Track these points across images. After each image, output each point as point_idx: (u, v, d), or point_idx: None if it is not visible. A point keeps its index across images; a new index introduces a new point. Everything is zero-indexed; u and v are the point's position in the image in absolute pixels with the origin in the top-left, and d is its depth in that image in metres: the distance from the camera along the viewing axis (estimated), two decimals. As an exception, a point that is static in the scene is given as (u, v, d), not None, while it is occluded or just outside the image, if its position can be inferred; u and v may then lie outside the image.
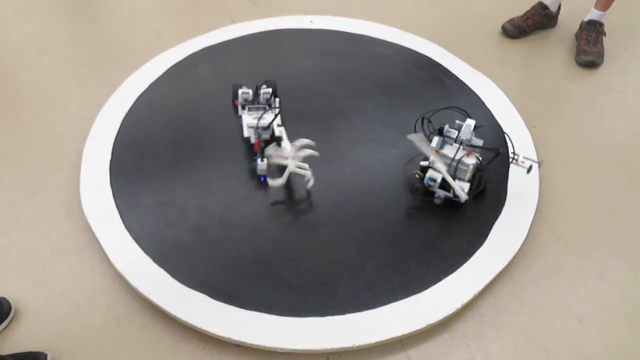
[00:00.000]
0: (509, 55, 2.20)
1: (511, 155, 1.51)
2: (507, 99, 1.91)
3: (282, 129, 1.63)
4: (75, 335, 1.29)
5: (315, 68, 2.02)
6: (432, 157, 1.46)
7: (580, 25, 2.24)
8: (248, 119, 1.66)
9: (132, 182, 1.58)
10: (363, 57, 2.07)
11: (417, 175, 1.52)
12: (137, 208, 1.51)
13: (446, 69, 2.03)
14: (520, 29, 2.27)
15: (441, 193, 1.50)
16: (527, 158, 1.50)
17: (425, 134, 1.54)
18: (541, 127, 1.86)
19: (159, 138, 1.72)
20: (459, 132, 1.47)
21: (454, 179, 1.45)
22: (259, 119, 1.63)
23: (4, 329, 1.29)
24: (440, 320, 1.29)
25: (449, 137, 1.48)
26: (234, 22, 2.33)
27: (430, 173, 1.47)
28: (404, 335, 1.27)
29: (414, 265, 1.40)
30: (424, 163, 1.52)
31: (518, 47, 2.25)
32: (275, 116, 1.64)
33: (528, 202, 1.56)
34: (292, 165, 1.52)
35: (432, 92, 1.92)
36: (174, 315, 1.28)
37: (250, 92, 1.72)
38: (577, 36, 2.25)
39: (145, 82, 1.93)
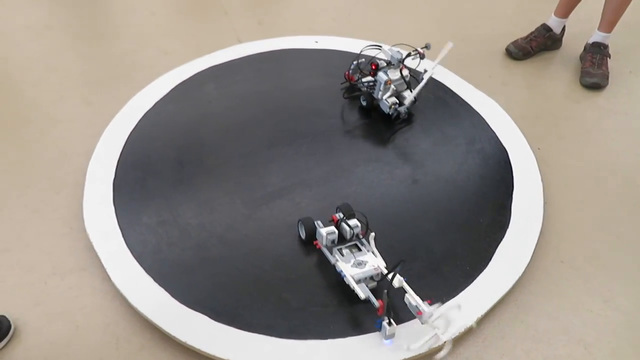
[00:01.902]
0: (513, 77, 2.21)
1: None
2: (511, 120, 1.91)
3: (400, 278, 1.24)
4: (74, 355, 1.28)
5: (320, 88, 2.03)
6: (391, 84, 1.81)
7: (585, 47, 2.25)
8: (350, 269, 1.32)
9: (135, 201, 1.58)
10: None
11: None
12: (139, 227, 1.51)
13: (450, 90, 2.04)
14: (524, 51, 2.28)
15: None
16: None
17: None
18: (545, 148, 1.85)
19: (163, 157, 1.73)
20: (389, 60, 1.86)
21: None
22: (359, 264, 1.33)
23: (3, 347, 1.29)
24: (443, 345, 1.27)
25: (385, 67, 1.84)
26: (239, 41, 2.35)
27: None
28: (405, 359, 1.24)
29: (416, 287, 1.37)
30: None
31: (522, 69, 2.25)
32: (394, 267, 1.24)
33: (532, 224, 1.55)
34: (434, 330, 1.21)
35: (436, 113, 1.93)
36: (174, 336, 1.27)
37: (336, 231, 1.39)
38: (582, 58, 2.26)
39: (151, 100, 1.94)
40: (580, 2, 2.23)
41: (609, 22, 2.16)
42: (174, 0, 2.72)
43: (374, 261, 1.34)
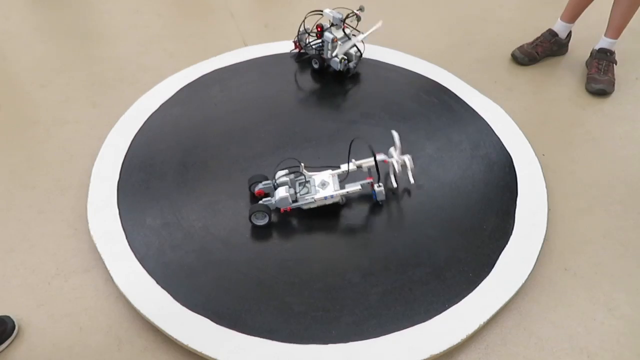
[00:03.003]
0: (518, 82, 2.20)
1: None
2: (516, 126, 1.90)
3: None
4: (76, 356, 1.28)
5: (325, 92, 2.03)
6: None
7: (591, 53, 2.24)
8: (325, 192, 1.53)
9: (139, 203, 1.59)
10: (373, 82, 2.09)
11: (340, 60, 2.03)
12: (143, 229, 1.51)
13: (455, 95, 2.04)
14: (530, 56, 2.27)
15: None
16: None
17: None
18: (550, 155, 1.85)
19: (168, 159, 1.73)
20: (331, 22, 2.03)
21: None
22: (323, 184, 1.55)
23: (7, 347, 1.29)
24: (444, 351, 1.27)
25: (329, 28, 2.01)
26: (245, 44, 2.36)
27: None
28: (408, 365, 1.25)
29: (419, 293, 1.38)
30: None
31: (528, 74, 2.25)
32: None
33: (536, 231, 1.54)
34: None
35: (440, 118, 1.92)
36: (176, 339, 1.27)
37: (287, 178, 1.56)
38: (588, 64, 2.25)
39: (156, 102, 1.95)
40: (588, 8, 2.22)
41: (615, 28, 2.16)
42: (180, 3, 2.73)
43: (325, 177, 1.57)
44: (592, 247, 1.56)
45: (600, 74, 2.14)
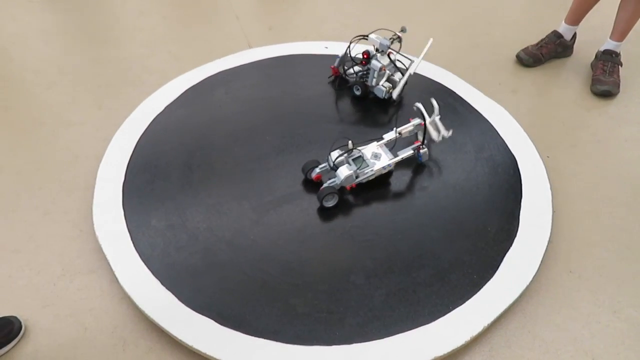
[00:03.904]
0: (523, 84, 2.20)
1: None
2: (520, 128, 1.90)
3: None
4: (82, 357, 1.29)
5: (330, 94, 2.03)
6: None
7: (596, 55, 2.24)
8: (382, 162, 1.64)
9: (144, 204, 1.60)
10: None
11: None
12: (148, 230, 1.52)
13: (460, 97, 2.04)
14: (535, 58, 2.27)
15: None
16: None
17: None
18: (555, 157, 1.84)
19: (173, 160, 1.74)
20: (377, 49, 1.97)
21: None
22: (376, 156, 1.65)
23: (13, 347, 1.30)
24: (448, 353, 1.27)
25: (375, 54, 1.96)
26: (250, 46, 2.37)
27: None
28: (410, 367, 1.25)
29: (423, 295, 1.38)
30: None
31: (533, 76, 2.25)
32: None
33: (540, 233, 1.54)
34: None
35: (445, 120, 1.92)
36: (181, 340, 1.27)
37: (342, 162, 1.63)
38: (593, 66, 2.25)
39: (161, 104, 1.96)
40: (592, 11, 2.22)
41: (620, 32, 2.15)
42: (186, 5, 2.74)
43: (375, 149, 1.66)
44: (596, 250, 1.56)
45: (605, 76, 2.14)
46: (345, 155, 1.62)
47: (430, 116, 1.74)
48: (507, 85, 2.19)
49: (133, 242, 1.48)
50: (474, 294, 1.38)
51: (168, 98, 2.00)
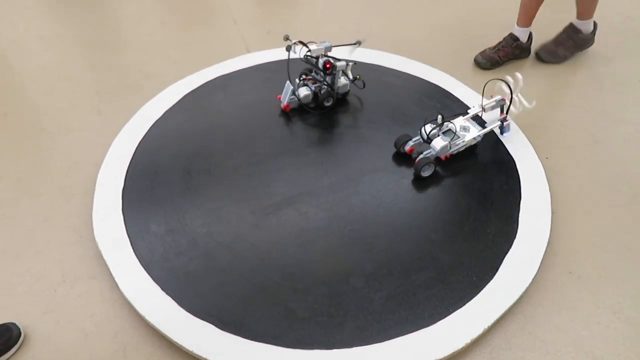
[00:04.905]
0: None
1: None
2: (519, 129, 1.90)
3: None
4: (82, 363, 1.29)
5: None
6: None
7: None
8: (473, 133, 1.75)
9: (144, 209, 1.60)
10: (375, 87, 2.09)
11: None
12: (147, 235, 1.52)
13: (457, 99, 2.04)
14: (492, 61, 2.31)
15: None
16: None
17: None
18: (553, 158, 1.85)
19: (172, 166, 1.74)
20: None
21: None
22: (464, 128, 1.78)
23: (13, 354, 1.30)
24: (449, 355, 1.27)
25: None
26: (248, 51, 2.38)
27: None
28: (411, 369, 1.25)
29: (423, 298, 1.38)
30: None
31: (533, 78, 2.25)
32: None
33: (540, 234, 1.54)
34: None
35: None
36: (181, 345, 1.27)
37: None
38: None
39: (160, 109, 1.97)
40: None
41: (582, 14, 2.22)
42: (184, 10, 2.75)
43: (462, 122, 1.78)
44: (596, 250, 1.56)
45: (552, 44, 2.25)
46: (437, 128, 1.71)
47: (515, 90, 1.82)
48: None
49: (133, 248, 1.48)
50: (474, 296, 1.38)
51: (167, 103, 2.00)
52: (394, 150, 1.80)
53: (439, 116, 1.68)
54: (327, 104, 1.97)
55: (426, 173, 1.69)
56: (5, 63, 2.34)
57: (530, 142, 1.85)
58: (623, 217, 1.66)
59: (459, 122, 1.76)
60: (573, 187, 1.75)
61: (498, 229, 1.55)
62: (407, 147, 1.75)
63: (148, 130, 1.88)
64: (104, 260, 1.46)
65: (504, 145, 1.83)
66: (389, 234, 1.54)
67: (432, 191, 1.67)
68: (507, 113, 1.84)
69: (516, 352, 1.32)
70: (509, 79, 1.79)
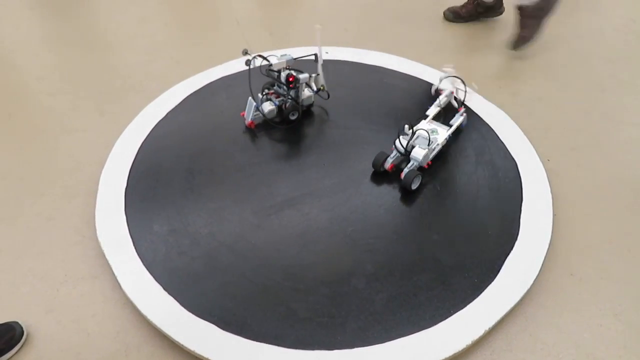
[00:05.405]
0: (523, 88, 2.21)
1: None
2: (520, 132, 1.91)
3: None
4: (84, 362, 1.30)
5: (330, 99, 2.04)
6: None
7: None
8: (443, 135, 1.78)
9: (146, 209, 1.60)
10: (377, 88, 2.10)
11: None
12: (150, 235, 1.53)
13: (460, 101, 2.04)
14: (456, 14, 2.52)
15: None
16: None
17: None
18: (555, 160, 1.85)
19: (174, 166, 1.75)
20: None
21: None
22: (432, 132, 1.77)
23: (16, 353, 1.31)
24: (450, 357, 1.27)
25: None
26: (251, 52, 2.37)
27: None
28: (412, 370, 1.25)
29: (424, 299, 1.38)
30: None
31: (534, 80, 2.25)
32: None
33: (541, 236, 1.54)
34: None
35: (445, 124, 1.93)
36: (183, 345, 1.28)
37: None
38: None
39: (163, 110, 1.97)
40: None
41: None
42: (187, 11, 2.76)
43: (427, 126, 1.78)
44: (598, 253, 1.56)
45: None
46: (412, 139, 1.70)
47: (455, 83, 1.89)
48: (507, 89, 2.20)
49: (135, 248, 1.49)
50: (475, 298, 1.38)
51: (170, 104, 2.01)
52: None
53: (406, 126, 1.66)
54: (293, 118, 1.93)
55: (415, 185, 1.66)
56: (9, 64, 2.35)
57: (532, 144, 1.85)
58: (625, 220, 1.66)
59: (425, 127, 1.75)
60: (575, 189, 1.75)
61: (500, 231, 1.56)
62: (388, 165, 1.71)
63: (151, 131, 1.88)
64: (106, 260, 1.47)
65: (505, 147, 1.83)
66: (390, 235, 1.54)
67: (433, 193, 1.67)
68: (463, 105, 1.90)
69: (517, 354, 1.32)
70: (449, 70, 1.88)
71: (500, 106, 2.02)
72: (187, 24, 2.65)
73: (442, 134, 1.77)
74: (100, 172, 1.72)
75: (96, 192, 1.65)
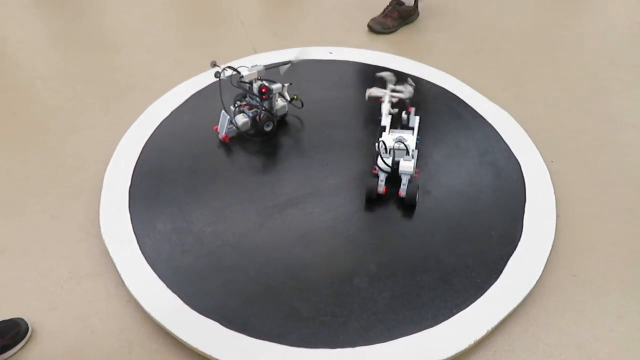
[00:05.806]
0: (526, 90, 2.21)
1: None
2: (524, 133, 1.91)
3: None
4: (88, 359, 1.30)
5: (334, 99, 2.05)
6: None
7: None
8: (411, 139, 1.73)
9: (150, 208, 1.61)
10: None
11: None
12: (153, 233, 1.53)
13: (463, 101, 2.04)
14: (384, 25, 2.52)
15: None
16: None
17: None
18: (559, 161, 1.85)
19: (178, 164, 1.76)
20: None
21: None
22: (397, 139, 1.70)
23: (20, 349, 1.31)
24: (452, 356, 1.27)
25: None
26: (255, 52, 2.39)
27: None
28: (414, 369, 1.25)
29: (427, 299, 1.38)
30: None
31: (535, 81, 2.25)
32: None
33: (544, 238, 1.54)
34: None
35: (449, 125, 1.93)
36: (186, 342, 1.28)
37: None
38: None
39: (167, 109, 1.98)
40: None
41: None
42: (191, 11, 2.77)
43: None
44: (601, 254, 1.56)
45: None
46: (394, 153, 1.67)
47: (389, 85, 1.88)
48: (511, 90, 2.20)
49: (139, 246, 1.50)
50: (478, 298, 1.38)
51: (173, 103, 2.02)
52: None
53: (380, 142, 1.64)
54: (267, 129, 1.89)
55: (417, 197, 1.62)
56: (14, 63, 2.36)
57: (536, 146, 1.85)
58: (628, 221, 1.66)
59: (394, 137, 1.69)
60: (578, 190, 1.75)
61: (503, 232, 1.56)
62: (381, 189, 1.64)
63: (155, 130, 1.89)
64: (110, 257, 1.47)
65: (509, 149, 1.84)
66: (394, 235, 1.54)
67: (436, 193, 1.67)
68: (409, 104, 1.88)
69: (519, 355, 1.32)
70: (386, 75, 1.88)
71: (504, 107, 2.03)
72: (191, 24, 2.66)
73: (411, 139, 1.70)
74: (105, 171, 1.73)
75: (100, 190, 1.66)
